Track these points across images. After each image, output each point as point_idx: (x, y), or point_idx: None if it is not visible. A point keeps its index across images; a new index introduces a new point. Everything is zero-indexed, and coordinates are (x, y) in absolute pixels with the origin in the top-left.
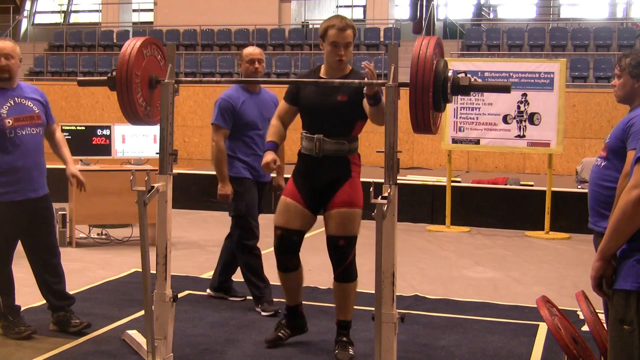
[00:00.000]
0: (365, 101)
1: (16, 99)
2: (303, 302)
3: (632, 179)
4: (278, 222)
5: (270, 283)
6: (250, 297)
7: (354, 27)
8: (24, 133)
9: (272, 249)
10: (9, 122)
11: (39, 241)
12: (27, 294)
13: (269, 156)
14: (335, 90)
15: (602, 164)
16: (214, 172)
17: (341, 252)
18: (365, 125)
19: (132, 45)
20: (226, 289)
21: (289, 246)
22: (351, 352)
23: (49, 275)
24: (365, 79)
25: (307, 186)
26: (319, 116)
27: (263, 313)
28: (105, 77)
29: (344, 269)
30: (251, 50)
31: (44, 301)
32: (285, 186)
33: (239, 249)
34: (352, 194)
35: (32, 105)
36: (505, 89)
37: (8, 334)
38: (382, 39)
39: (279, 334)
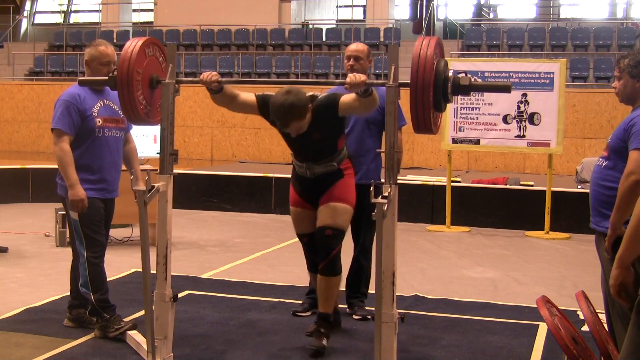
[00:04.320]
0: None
1: (105, 101)
2: (290, 300)
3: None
4: (299, 230)
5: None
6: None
7: (297, 115)
8: (109, 134)
9: (271, 249)
10: (99, 122)
11: None
12: (27, 293)
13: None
14: (306, 130)
15: (604, 163)
16: (214, 172)
17: (327, 242)
18: None
19: (133, 44)
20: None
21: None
22: (324, 342)
23: None
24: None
25: (307, 192)
26: (300, 150)
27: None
28: (106, 77)
29: (329, 261)
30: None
31: (45, 301)
32: (290, 195)
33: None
34: (343, 191)
35: (117, 109)
36: (505, 89)
37: (108, 332)
38: (382, 39)
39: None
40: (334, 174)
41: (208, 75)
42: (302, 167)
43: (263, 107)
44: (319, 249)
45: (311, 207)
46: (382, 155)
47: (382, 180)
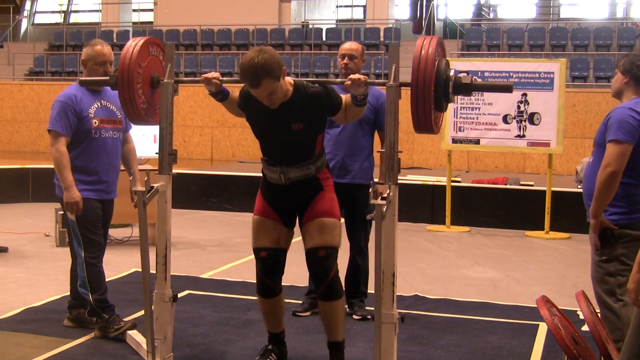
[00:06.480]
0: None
1: (102, 101)
2: (290, 300)
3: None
4: (260, 243)
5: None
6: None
7: (269, 72)
8: (106, 135)
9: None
10: (95, 123)
11: None
12: (27, 293)
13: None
14: (286, 115)
15: (591, 159)
16: (214, 172)
17: (323, 265)
18: None
19: (135, 42)
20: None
21: (276, 267)
22: None
23: None
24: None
25: (279, 203)
26: (275, 146)
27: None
28: (106, 76)
29: (327, 284)
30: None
31: (45, 301)
32: (256, 204)
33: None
34: (329, 204)
35: (115, 110)
36: (507, 89)
37: (108, 332)
38: (382, 39)
39: (269, 359)
40: (311, 183)
41: (210, 75)
42: (276, 172)
43: (244, 96)
44: (313, 273)
45: (279, 220)
46: (375, 154)
47: (376, 179)
